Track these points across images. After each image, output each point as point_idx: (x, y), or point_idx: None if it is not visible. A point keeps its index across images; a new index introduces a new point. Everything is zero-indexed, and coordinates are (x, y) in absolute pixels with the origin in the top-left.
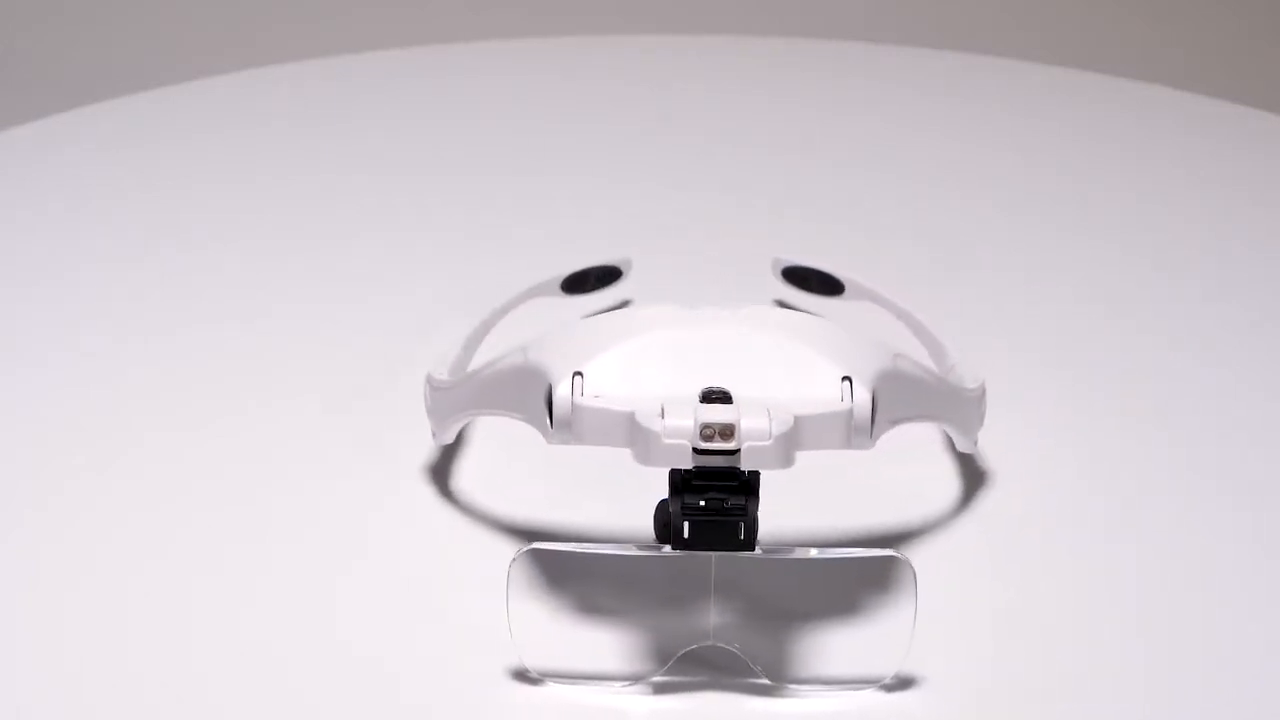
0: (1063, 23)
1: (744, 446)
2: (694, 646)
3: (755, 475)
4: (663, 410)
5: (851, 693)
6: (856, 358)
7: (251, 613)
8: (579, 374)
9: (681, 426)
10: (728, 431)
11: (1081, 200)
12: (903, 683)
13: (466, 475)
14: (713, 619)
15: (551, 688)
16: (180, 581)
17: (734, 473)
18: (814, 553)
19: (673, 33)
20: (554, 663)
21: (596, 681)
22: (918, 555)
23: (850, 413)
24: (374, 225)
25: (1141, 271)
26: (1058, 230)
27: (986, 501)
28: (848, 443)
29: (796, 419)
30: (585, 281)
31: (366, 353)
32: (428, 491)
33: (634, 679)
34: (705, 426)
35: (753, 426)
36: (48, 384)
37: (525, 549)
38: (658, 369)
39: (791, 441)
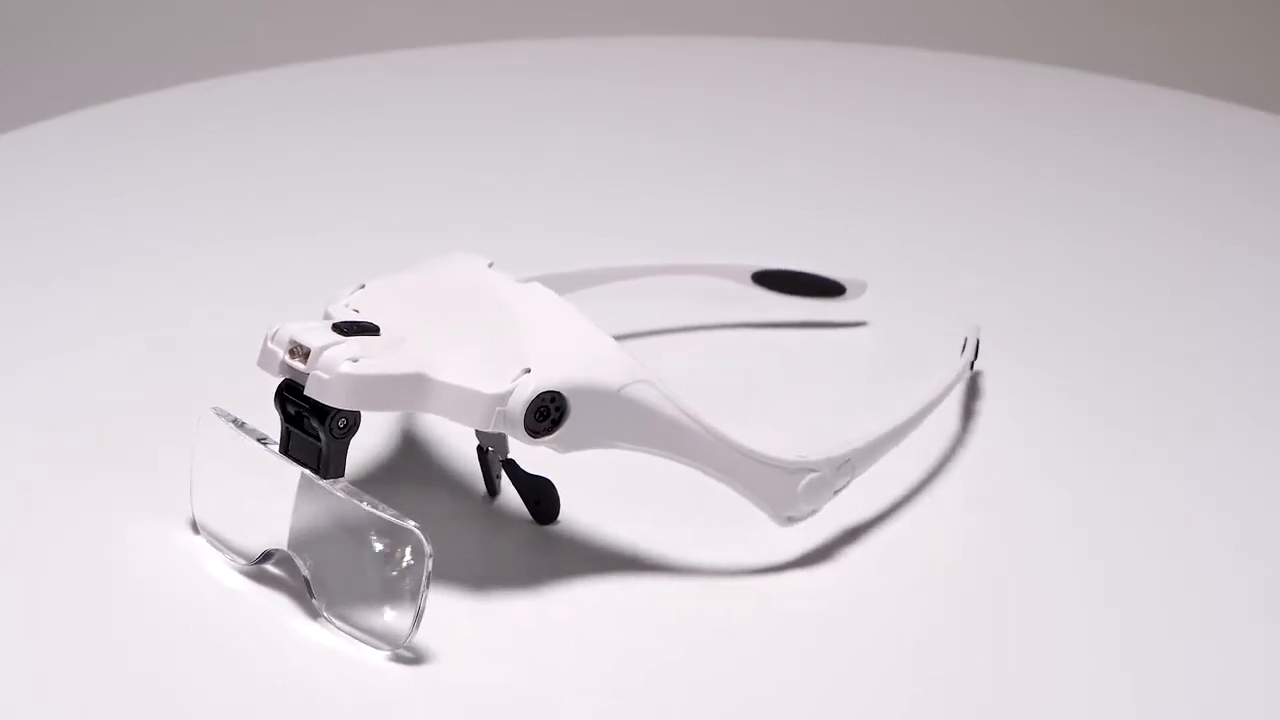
0: (1063, 23)
1: (311, 373)
2: (274, 549)
3: (332, 410)
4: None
5: (367, 647)
6: (570, 364)
7: (242, 609)
8: (362, 286)
9: (281, 337)
10: (305, 354)
11: (1081, 200)
12: (416, 657)
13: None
14: (290, 528)
15: (200, 540)
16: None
17: (302, 393)
18: (360, 502)
19: (672, 33)
20: (210, 520)
21: (222, 550)
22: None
23: (497, 397)
24: (374, 225)
25: (1140, 271)
26: (1057, 230)
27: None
28: (493, 426)
29: (417, 377)
30: (778, 281)
31: None
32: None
33: (245, 559)
34: (294, 345)
35: (329, 358)
36: (47, 383)
37: (208, 409)
38: (403, 305)
39: (370, 387)
